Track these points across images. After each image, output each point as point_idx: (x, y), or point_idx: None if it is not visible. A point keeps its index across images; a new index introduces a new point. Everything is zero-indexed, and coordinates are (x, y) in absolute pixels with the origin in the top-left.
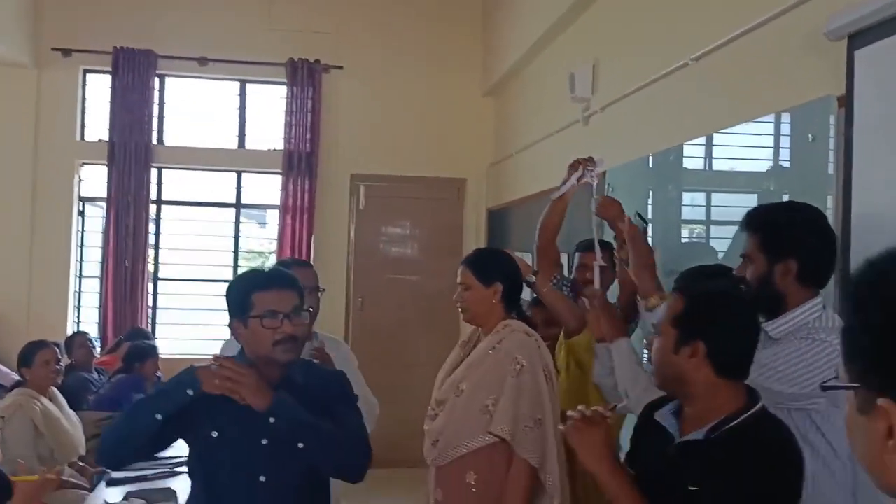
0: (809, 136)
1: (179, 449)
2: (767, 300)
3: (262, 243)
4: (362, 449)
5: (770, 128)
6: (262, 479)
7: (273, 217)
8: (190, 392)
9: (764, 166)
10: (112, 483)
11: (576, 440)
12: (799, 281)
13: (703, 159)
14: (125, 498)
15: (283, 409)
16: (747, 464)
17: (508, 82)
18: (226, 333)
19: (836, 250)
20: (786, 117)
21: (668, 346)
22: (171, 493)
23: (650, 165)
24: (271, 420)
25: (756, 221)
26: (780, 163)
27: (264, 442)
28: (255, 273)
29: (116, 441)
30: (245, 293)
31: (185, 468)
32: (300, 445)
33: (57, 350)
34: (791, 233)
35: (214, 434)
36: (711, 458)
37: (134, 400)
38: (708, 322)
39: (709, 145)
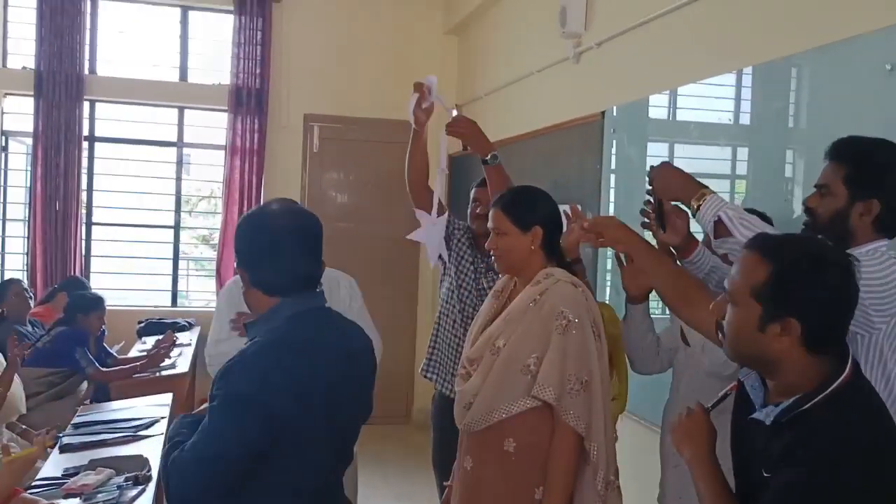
0: (888, 65)
1: (141, 411)
2: (835, 237)
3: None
4: (185, 475)
5: (822, 59)
6: None
7: (198, 158)
8: None
9: (811, 103)
10: (67, 449)
11: (676, 433)
12: (874, 224)
13: (731, 101)
14: (91, 467)
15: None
16: (812, 455)
17: (475, 20)
18: (164, 283)
19: None
20: (848, 47)
21: (751, 322)
22: (143, 462)
23: (669, 105)
24: None
25: (846, 152)
26: (832, 99)
27: None
28: None
29: None
30: None
31: (149, 431)
32: None
33: None
34: (884, 173)
35: None
36: (779, 445)
37: (77, 355)
38: (804, 296)
39: (739, 84)
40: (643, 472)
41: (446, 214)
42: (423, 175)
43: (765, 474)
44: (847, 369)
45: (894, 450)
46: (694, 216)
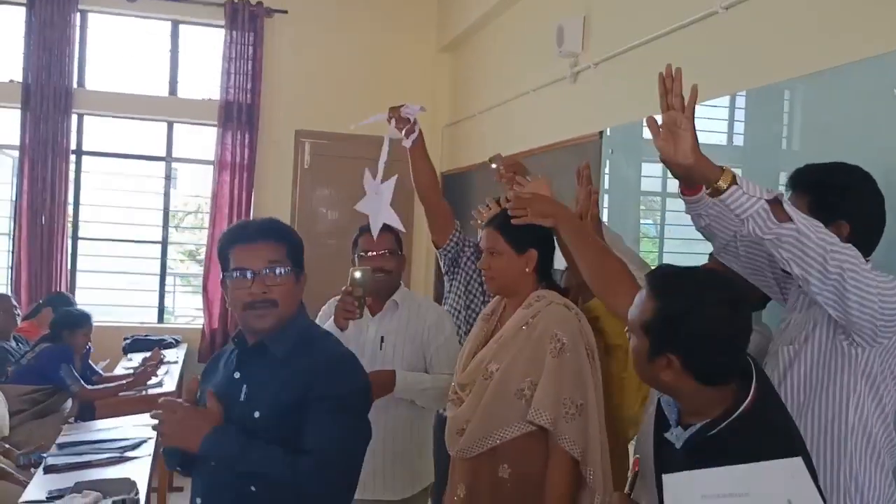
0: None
1: (128, 431)
2: None
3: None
4: (327, 478)
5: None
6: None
7: (185, 172)
8: None
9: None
10: (51, 469)
11: None
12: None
13: (725, 122)
14: (77, 490)
15: (209, 452)
16: None
17: (469, 38)
18: (150, 299)
19: (885, 214)
20: (851, 72)
21: (643, 353)
22: (131, 485)
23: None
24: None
25: (806, 181)
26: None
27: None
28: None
29: None
30: (223, 247)
31: (136, 453)
32: (252, 489)
33: None
34: (845, 195)
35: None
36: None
37: (62, 372)
38: (681, 334)
39: (732, 107)
40: None
41: (394, 178)
42: (434, 189)
43: None
44: (751, 394)
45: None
46: (718, 192)
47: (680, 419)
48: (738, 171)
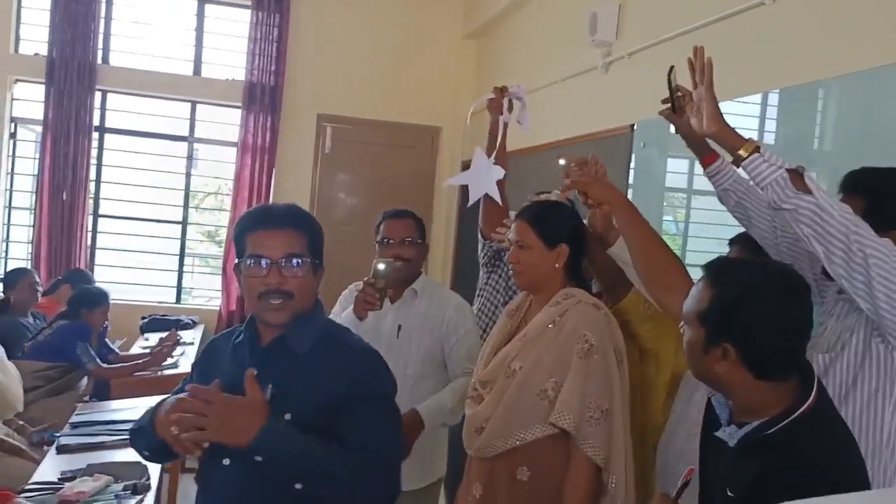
0: None
1: (141, 412)
2: None
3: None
4: (386, 477)
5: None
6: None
7: (205, 153)
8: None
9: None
10: (63, 450)
11: None
12: None
13: (755, 119)
14: (88, 473)
15: (269, 447)
16: (775, 482)
17: (497, 25)
18: (168, 279)
19: None
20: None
21: (697, 344)
22: (143, 470)
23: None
24: (257, 458)
25: (861, 184)
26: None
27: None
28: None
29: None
30: (242, 231)
31: None
32: (297, 487)
33: None
34: None
35: (226, 462)
36: (746, 471)
37: (78, 350)
38: (739, 323)
39: (764, 104)
40: None
41: (502, 172)
42: (501, 183)
43: (729, 494)
44: (812, 394)
45: (859, 477)
46: (740, 161)
47: (732, 419)
48: None
